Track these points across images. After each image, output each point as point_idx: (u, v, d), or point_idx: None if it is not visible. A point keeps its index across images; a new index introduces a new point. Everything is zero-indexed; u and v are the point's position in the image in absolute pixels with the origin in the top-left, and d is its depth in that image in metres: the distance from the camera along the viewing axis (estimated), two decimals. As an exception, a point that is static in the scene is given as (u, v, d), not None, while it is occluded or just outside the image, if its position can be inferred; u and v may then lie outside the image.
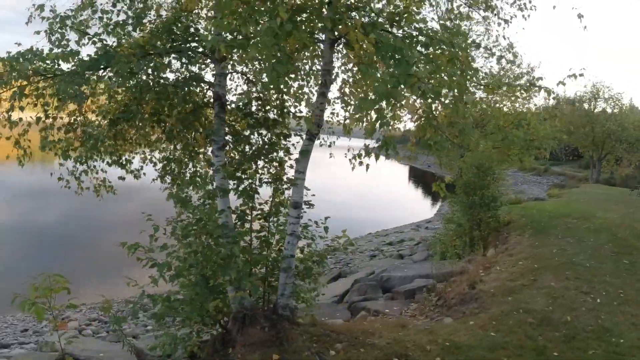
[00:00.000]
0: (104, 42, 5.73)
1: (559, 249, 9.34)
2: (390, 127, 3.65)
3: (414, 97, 3.83)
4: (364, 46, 3.92)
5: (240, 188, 5.41)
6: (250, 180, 5.43)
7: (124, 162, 7.02)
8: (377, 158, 3.85)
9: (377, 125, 3.61)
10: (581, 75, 4.74)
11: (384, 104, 3.62)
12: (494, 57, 14.93)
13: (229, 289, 5.24)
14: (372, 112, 3.62)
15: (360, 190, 42.68)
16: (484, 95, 16.70)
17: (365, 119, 3.62)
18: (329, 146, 6.66)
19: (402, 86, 3.27)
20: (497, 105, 16.63)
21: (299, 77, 5.77)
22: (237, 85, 6.69)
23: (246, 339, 4.60)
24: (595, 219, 12.85)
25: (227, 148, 6.21)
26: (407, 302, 8.29)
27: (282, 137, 5.81)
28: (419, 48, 4.15)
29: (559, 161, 42.51)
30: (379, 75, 3.54)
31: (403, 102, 3.49)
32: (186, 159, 6.48)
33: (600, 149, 28.71)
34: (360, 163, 4.05)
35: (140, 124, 6.47)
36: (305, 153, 4.91)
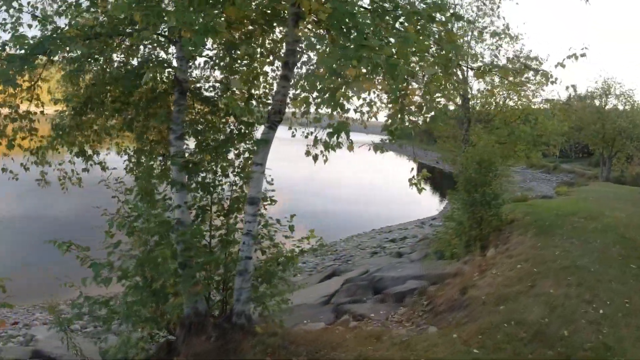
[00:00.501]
0: (55, 24, 5.14)
1: (562, 250, 8.52)
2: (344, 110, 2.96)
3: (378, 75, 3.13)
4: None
5: (197, 181, 4.78)
6: (211, 173, 4.79)
7: (90, 154, 6.47)
8: (326, 148, 3.17)
9: (330, 108, 2.92)
10: (583, 55, 3.97)
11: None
12: (493, 39, 14.09)
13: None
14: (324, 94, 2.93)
15: (366, 185, 41.85)
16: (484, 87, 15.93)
17: (310, 100, 2.93)
18: (306, 137, 5.96)
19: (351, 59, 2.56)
20: (500, 91, 15.80)
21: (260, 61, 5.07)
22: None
23: (190, 349, 3.97)
24: (603, 218, 11.95)
25: (200, 137, 5.58)
26: (396, 306, 7.58)
27: (248, 127, 5.15)
28: (394, 23, 3.46)
29: (568, 158, 41.11)
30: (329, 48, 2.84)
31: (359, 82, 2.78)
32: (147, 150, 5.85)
33: (611, 147, 27.37)
34: (316, 156, 3.37)
35: (101, 113, 5.90)
36: (263, 142, 4.24)
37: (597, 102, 28.21)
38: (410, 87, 3.02)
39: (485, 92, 14.75)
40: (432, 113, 3.14)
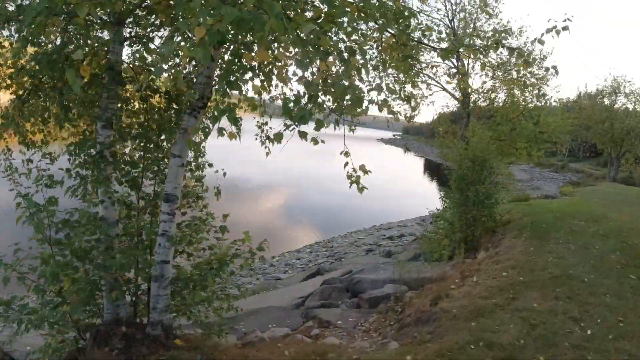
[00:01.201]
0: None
1: (556, 257, 7.67)
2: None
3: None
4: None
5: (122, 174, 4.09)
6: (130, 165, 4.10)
7: (39, 144, 5.86)
8: (205, 135, 2.45)
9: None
10: (565, 29, 3.17)
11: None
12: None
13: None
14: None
15: (372, 180, 40.88)
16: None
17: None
18: (261, 129, 5.20)
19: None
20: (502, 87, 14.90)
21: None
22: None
23: (92, 361, 3.31)
24: (606, 221, 11.01)
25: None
26: (369, 312, 6.84)
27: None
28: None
29: (577, 158, 39.66)
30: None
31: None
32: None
33: (619, 146, 25.98)
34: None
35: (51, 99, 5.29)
36: (183, 132, 3.53)
37: (606, 101, 26.83)
38: (326, 61, 2.27)
39: (460, 78, 13.78)
40: (348, 96, 2.37)
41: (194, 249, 4.29)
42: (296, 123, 2.27)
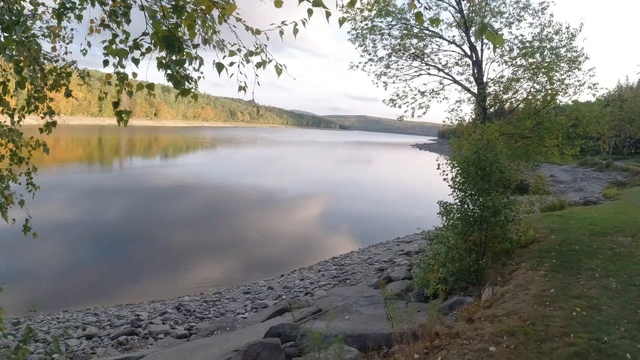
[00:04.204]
0: None
1: (586, 306, 4.82)
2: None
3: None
4: None
5: None
6: None
7: None
8: None
9: None
10: None
11: None
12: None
13: None
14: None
15: (406, 187, 37.96)
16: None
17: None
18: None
19: None
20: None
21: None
22: None
23: None
24: (661, 236, 7.78)
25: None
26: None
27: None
28: None
29: (622, 155, 34.23)
30: None
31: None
32: None
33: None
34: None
35: None
36: None
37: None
38: None
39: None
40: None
41: None
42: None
